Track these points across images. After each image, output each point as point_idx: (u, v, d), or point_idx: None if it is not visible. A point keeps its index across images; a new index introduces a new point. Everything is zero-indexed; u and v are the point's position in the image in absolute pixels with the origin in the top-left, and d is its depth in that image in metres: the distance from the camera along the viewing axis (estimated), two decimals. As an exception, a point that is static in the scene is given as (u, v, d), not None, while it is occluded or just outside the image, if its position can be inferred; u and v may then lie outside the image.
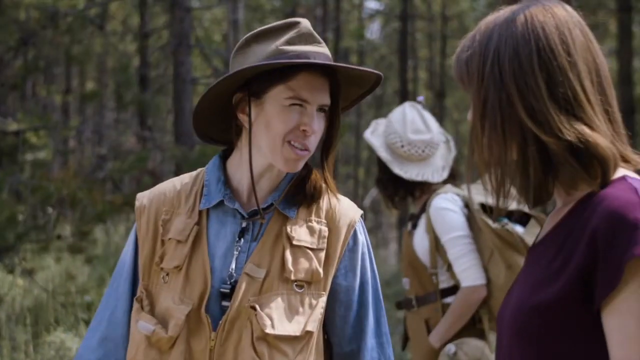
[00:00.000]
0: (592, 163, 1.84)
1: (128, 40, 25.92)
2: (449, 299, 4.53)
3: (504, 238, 4.33)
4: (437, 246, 4.51)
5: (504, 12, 1.96)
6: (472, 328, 4.50)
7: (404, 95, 24.78)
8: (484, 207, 4.47)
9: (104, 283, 10.56)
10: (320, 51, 2.51)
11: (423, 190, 4.69)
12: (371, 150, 4.76)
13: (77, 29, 13.91)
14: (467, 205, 4.51)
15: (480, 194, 4.51)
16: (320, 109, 2.50)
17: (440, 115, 30.91)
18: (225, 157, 2.66)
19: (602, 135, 1.85)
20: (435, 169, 4.67)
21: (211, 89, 2.50)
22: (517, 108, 1.86)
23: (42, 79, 24.10)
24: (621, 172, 1.88)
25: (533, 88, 1.85)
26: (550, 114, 1.83)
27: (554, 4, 1.94)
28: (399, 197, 4.75)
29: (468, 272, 4.40)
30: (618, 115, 1.92)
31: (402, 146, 4.64)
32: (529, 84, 1.85)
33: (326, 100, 2.50)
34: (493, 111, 1.89)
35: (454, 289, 4.51)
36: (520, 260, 4.29)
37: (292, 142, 2.47)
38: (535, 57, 1.86)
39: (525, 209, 4.44)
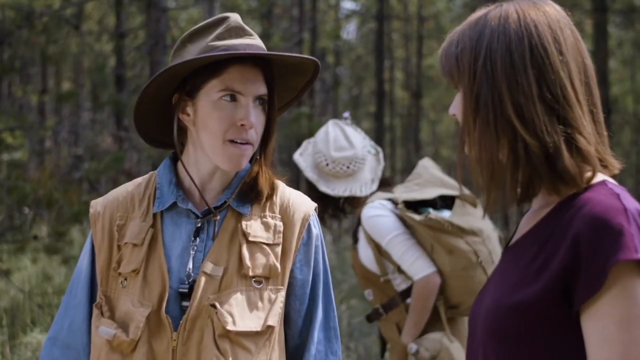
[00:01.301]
0: (568, 168, 1.84)
1: (104, 40, 25.84)
2: (410, 299, 4.57)
3: (433, 227, 4.41)
4: (380, 253, 4.58)
5: (494, 8, 1.96)
6: (439, 321, 4.56)
7: (381, 95, 24.85)
8: (408, 204, 4.55)
9: (80, 284, 10.51)
10: (251, 43, 2.52)
11: (353, 204, 4.78)
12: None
13: (53, 28, 13.84)
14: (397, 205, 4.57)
15: (405, 192, 4.62)
16: (258, 100, 2.51)
17: (416, 115, 30.99)
18: (176, 158, 2.67)
19: (587, 139, 1.86)
20: (363, 183, 4.75)
21: (144, 91, 2.52)
22: (506, 105, 1.86)
23: (18, 79, 24.02)
24: (600, 176, 1.89)
25: (523, 86, 1.85)
26: (536, 114, 1.84)
27: (544, 2, 1.95)
28: (328, 214, 4.83)
29: (416, 264, 4.47)
30: (601, 117, 1.93)
31: (327, 164, 4.72)
32: (520, 82, 1.85)
33: (261, 90, 2.51)
34: (485, 108, 1.88)
35: (412, 288, 4.56)
36: (457, 243, 4.41)
37: (233, 140, 2.47)
38: (527, 54, 1.86)
39: (448, 192, 4.55)
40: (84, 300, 2.61)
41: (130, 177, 12.35)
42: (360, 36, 35.67)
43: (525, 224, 2.02)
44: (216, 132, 2.47)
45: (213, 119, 2.47)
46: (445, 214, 4.49)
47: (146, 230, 2.54)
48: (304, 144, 4.91)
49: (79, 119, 25.28)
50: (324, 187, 4.70)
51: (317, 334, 2.61)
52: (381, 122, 25.61)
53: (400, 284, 4.61)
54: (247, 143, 2.49)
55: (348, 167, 4.70)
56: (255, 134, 2.50)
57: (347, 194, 4.69)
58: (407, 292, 4.59)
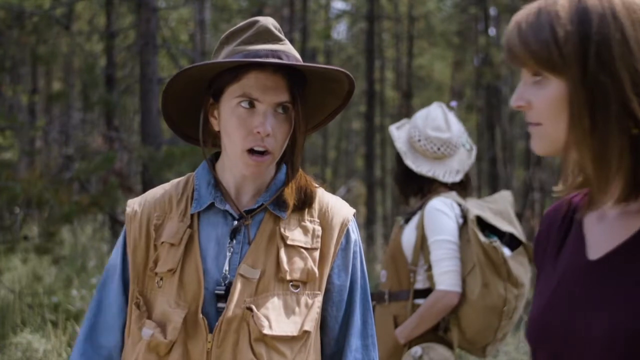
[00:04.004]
0: None
1: (94, 40, 25.77)
2: (420, 300, 4.54)
3: (489, 255, 4.35)
4: (422, 245, 4.53)
5: None
6: (431, 333, 4.53)
7: (371, 95, 24.84)
8: (480, 221, 4.49)
9: (70, 284, 10.52)
10: (276, 49, 2.50)
11: (431, 189, 4.71)
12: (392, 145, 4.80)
13: (43, 28, 13.84)
14: (464, 216, 4.53)
15: (477, 209, 4.53)
16: (281, 107, 2.48)
17: (407, 115, 30.99)
18: (215, 159, 2.65)
19: None
20: (448, 170, 4.68)
21: (164, 93, 2.52)
22: (630, 97, 1.68)
23: (8, 79, 23.95)
24: None
25: None
26: None
27: None
28: (411, 192, 4.78)
29: (446, 276, 4.42)
30: None
31: (419, 140, 4.66)
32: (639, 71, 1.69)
33: (281, 97, 2.47)
34: (605, 100, 1.69)
35: (427, 292, 4.54)
36: (497, 283, 4.34)
37: (253, 148, 2.45)
38: None
39: (517, 234, 4.48)
40: (118, 298, 2.59)
41: (120, 177, 12.35)
42: (350, 36, 35.63)
43: (611, 233, 1.81)
44: (234, 139, 2.46)
45: (231, 124, 2.46)
46: (505, 252, 4.42)
47: (184, 230, 2.52)
48: (403, 120, 4.90)
49: (69, 119, 25.22)
50: (409, 161, 4.65)
51: (354, 341, 2.60)
52: (372, 122, 25.58)
53: (419, 282, 4.57)
54: (265, 151, 2.46)
55: (438, 149, 4.65)
56: (274, 142, 2.47)
57: (429, 174, 4.63)
58: (419, 293, 4.56)
